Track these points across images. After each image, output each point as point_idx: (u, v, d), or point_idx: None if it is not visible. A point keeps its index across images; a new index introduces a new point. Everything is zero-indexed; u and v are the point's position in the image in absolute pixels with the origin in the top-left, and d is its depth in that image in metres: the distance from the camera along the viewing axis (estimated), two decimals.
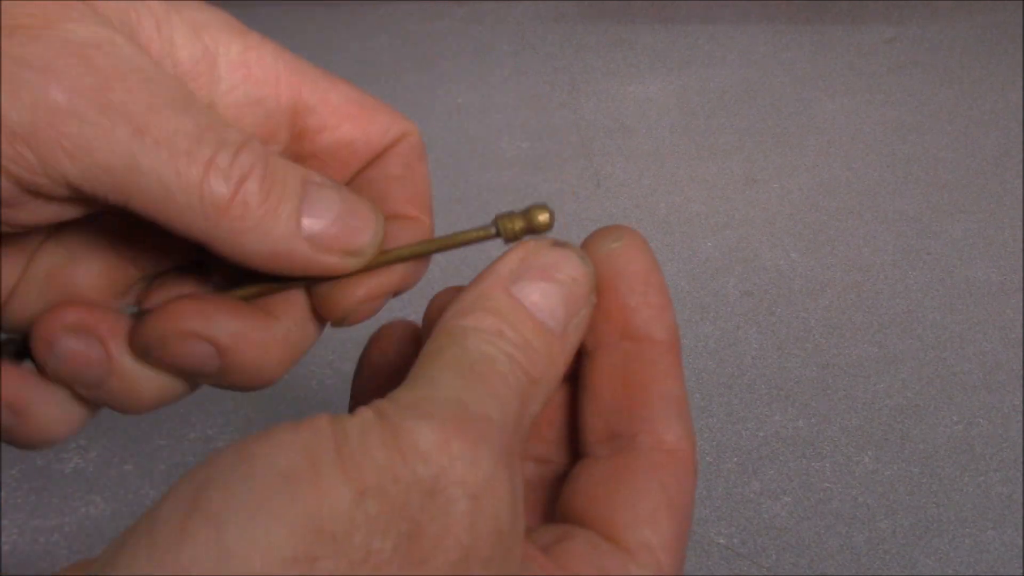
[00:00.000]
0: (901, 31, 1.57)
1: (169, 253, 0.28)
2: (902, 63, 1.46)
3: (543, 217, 0.27)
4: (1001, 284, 0.95)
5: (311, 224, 0.24)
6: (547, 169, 1.11)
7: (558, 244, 0.24)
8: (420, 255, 0.27)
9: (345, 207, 0.25)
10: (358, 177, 0.28)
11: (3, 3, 0.21)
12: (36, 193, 0.22)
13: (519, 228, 0.27)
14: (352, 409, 0.23)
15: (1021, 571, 0.67)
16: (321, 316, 0.26)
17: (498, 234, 0.27)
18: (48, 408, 0.25)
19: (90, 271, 0.28)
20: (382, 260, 0.26)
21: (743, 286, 0.95)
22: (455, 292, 0.25)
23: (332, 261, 0.25)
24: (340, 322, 0.26)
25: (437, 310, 0.26)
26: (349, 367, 0.84)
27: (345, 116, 0.27)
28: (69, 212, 0.23)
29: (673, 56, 1.49)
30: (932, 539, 0.69)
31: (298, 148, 0.27)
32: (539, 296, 0.23)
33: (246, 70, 0.26)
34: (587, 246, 0.25)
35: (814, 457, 0.76)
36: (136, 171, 0.22)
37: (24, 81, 0.21)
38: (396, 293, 0.27)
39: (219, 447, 0.20)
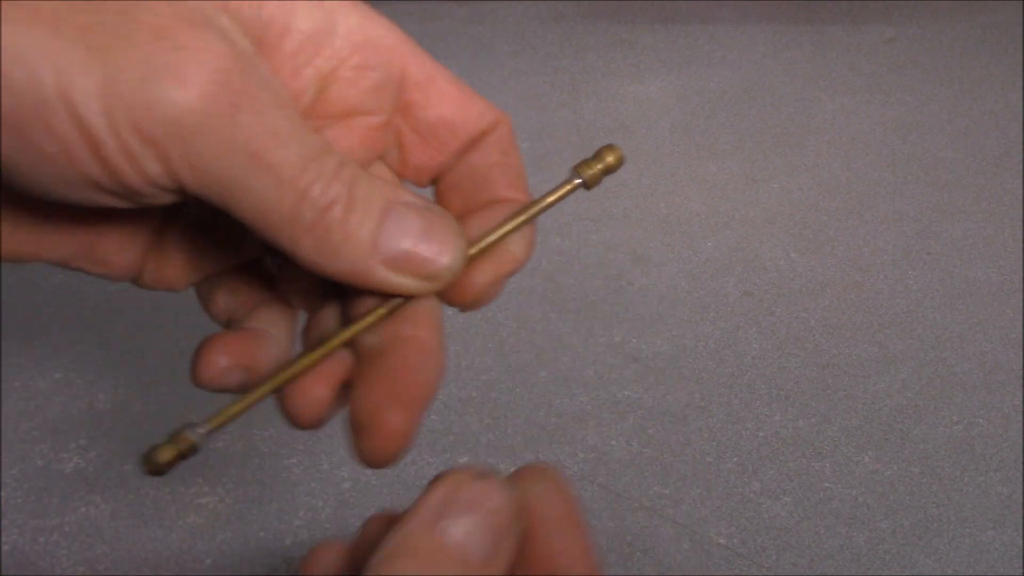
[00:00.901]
0: (901, 31, 1.56)
1: (238, 249, 0.30)
2: (902, 63, 1.46)
3: (613, 157, 0.30)
4: (1001, 284, 0.95)
5: (389, 245, 0.25)
6: (547, 169, 1.11)
7: (481, 475, 0.24)
8: (524, 224, 0.29)
9: (425, 230, 0.26)
10: (461, 163, 0.29)
11: (136, 4, 0.23)
12: (137, 191, 0.24)
13: (598, 171, 0.30)
14: None
15: (1021, 571, 0.67)
16: (450, 303, 0.28)
17: (584, 184, 0.30)
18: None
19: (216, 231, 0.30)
20: (492, 239, 0.28)
21: (743, 286, 0.95)
22: (385, 522, 0.26)
23: (406, 283, 0.26)
24: (469, 307, 0.29)
25: (367, 540, 0.27)
26: None
27: (447, 96, 0.29)
28: (163, 200, 0.25)
29: (673, 56, 1.49)
30: (932, 539, 0.69)
31: (400, 121, 0.29)
32: (463, 532, 0.23)
33: (364, 38, 0.27)
34: (512, 483, 0.26)
35: (814, 457, 0.76)
36: (244, 189, 0.24)
37: (165, 90, 0.22)
38: (516, 270, 0.29)
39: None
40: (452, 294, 0.28)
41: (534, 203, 0.30)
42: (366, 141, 0.29)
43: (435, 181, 0.30)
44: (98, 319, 0.90)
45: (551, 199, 0.30)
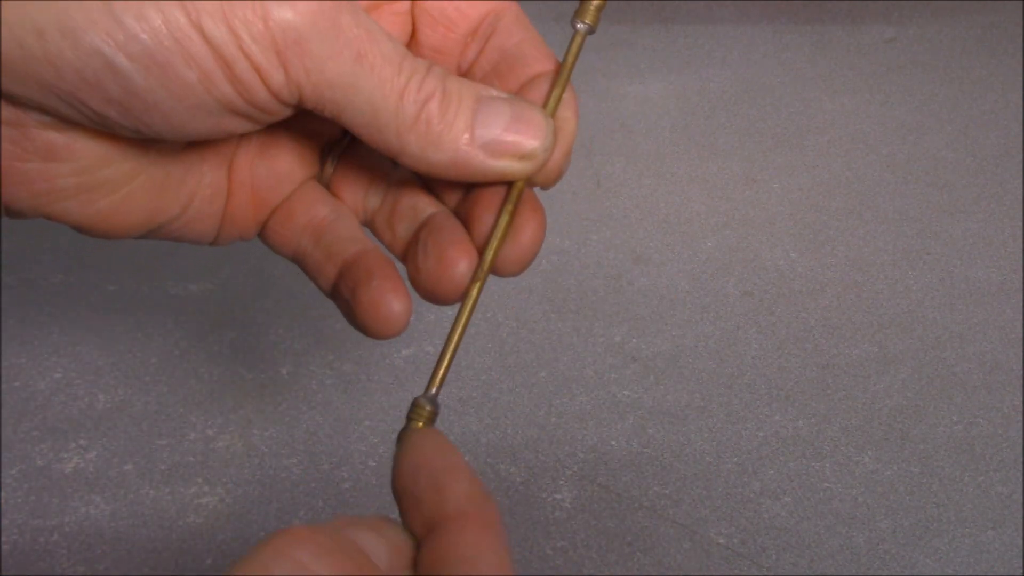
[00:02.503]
0: (901, 31, 1.56)
1: (300, 165, 0.33)
2: (902, 63, 1.46)
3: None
4: (1001, 284, 0.95)
5: (483, 133, 0.28)
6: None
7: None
8: (565, 86, 0.31)
9: (515, 116, 0.28)
10: (488, 48, 0.32)
11: None
12: (263, 107, 0.26)
13: (594, 9, 0.32)
14: None
15: (1021, 571, 0.67)
16: (535, 182, 0.30)
17: (590, 29, 0.33)
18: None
19: (283, 157, 0.32)
20: (552, 108, 0.30)
21: (743, 286, 0.95)
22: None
23: (505, 165, 0.28)
24: (551, 184, 0.31)
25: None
26: (349, 367, 0.84)
27: None
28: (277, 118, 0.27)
29: (673, 56, 1.49)
30: (932, 539, 0.69)
31: (418, 5, 0.31)
32: None
33: None
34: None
35: (814, 457, 0.76)
36: (354, 90, 0.26)
37: (276, 5, 0.25)
38: (575, 137, 0.32)
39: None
40: (538, 174, 0.30)
41: (562, 68, 0.32)
42: (394, 28, 0.31)
43: (464, 74, 0.32)
44: (98, 319, 0.90)
45: (572, 57, 0.32)
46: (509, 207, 0.29)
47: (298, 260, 0.32)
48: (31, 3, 0.23)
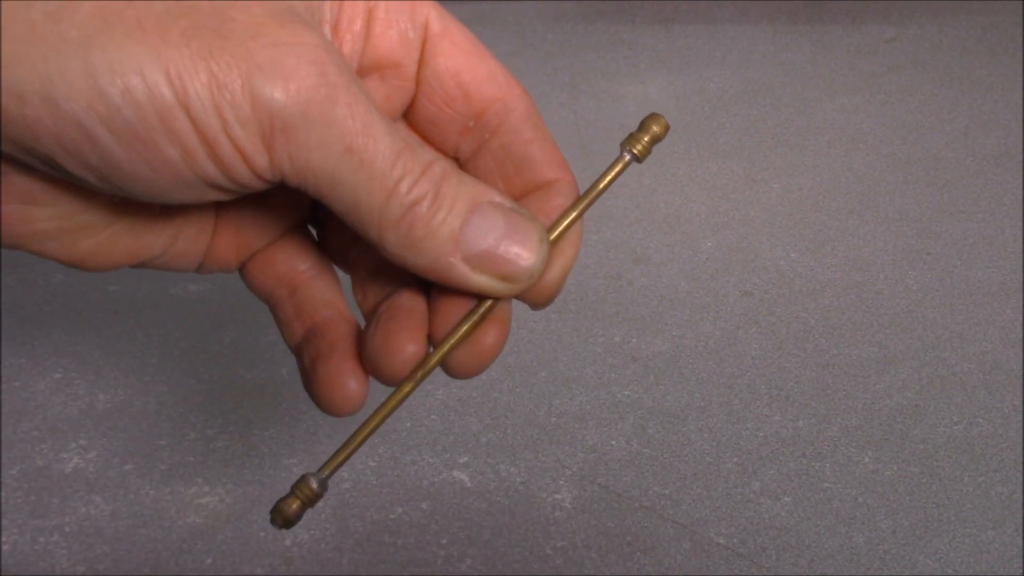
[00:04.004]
0: (901, 31, 1.57)
1: (283, 218, 0.31)
2: (902, 63, 1.46)
3: (659, 127, 0.30)
4: (1001, 284, 0.95)
5: (470, 245, 0.26)
6: None
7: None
8: (583, 212, 0.30)
9: (508, 231, 0.27)
10: (493, 142, 0.30)
11: (228, 3, 0.24)
12: (245, 185, 0.25)
13: (647, 142, 0.30)
14: None
15: (1021, 571, 0.67)
16: (525, 300, 0.29)
17: (635, 158, 0.30)
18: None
19: (272, 203, 0.31)
20: (559, 232, 0.29)
21: (743, 286, 0.95)
22: None
23: (485, 283, 0.27)
24: (542, 305, 0.29)
25: None
26: None
27: (459, 49, 0.29)
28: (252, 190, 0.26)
29: (673, 56, 1.49)
30: (932, 539, 0.69)
31: (420, 73, 0.30)
32: None
33: None
34: None
35: (814, 457, 0.76)
36: (339, 182, 0.24)
37: (268, 87, 0.23)
38: (575, 260, 0.30)
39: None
40: (528, 293, 0.28)
41: (592, 189, 0.30)
42: (395, 93, 0.29)
43: (462, 161, 0.31)
44: (98, 319, 0.90)
45: (607, 181, 0.30)
46: (475, 317, 0.28)
47: (271, 307, 0.32)
48: (14, 66, 0.22)
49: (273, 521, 0.27)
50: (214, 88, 0.23)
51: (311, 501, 0.27)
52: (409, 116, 0.30)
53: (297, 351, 0.31)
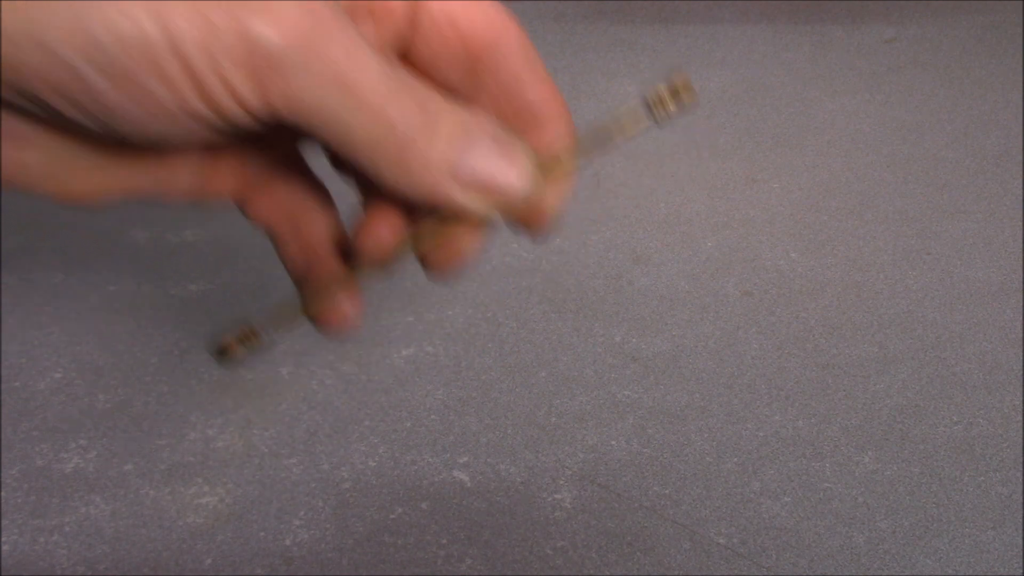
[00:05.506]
0: (901, 31, 1.57)
1: (286, 147, 0.32)
2: (902, 63, 1.46)
3: (688, 96, 0.29)
4: (1001, 284, 0.95)
5: (460, 169, 0.27)
6: None
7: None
8: (581, 149, 0.30)
9: (498, 155, 0.27)
10: (494, 86, 0.30)
11: None
12: (237, 124, 0.25)
13: (672, 111, 0.29)
14: None
15: (1021, 571, 0.67)
16: (523, 229, 0.30)
17: (653, 118, 0.29)
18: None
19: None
20: (554, 162, 0.29)
21: (743, 286, 0.95)
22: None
23: (476, 205, 0.27)
24: (540, 233, 0.30)
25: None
26: (349, 367, 0.84)
27: None
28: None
29: (673, 56, 1.49)
30: (932, 539, 0.69)
31: (415, 16, 0.30)
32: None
33: None
34: None
35: (814, 457, 0.76)
36: (333, 117, 0.25)
37: (257, 25, 0.24)
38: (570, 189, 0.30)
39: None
40: (527, 219, 0.29)
41: (602, 131, 0.30)
42: (387, 32, 0.30)
43: (463, 99, 0.31)
44: (98, 319, 0.90)
45: (616, 129, 0.30)
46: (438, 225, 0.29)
47: (271, 238, 0.32)
48: (4, 11, 0.22)
49: (213, 356, 0.29)
50: (204, 28, 0.23)
51: (250, 339, 0.29)
52: (408, 60, 0.31)
53: (298, 281, 0.32)
